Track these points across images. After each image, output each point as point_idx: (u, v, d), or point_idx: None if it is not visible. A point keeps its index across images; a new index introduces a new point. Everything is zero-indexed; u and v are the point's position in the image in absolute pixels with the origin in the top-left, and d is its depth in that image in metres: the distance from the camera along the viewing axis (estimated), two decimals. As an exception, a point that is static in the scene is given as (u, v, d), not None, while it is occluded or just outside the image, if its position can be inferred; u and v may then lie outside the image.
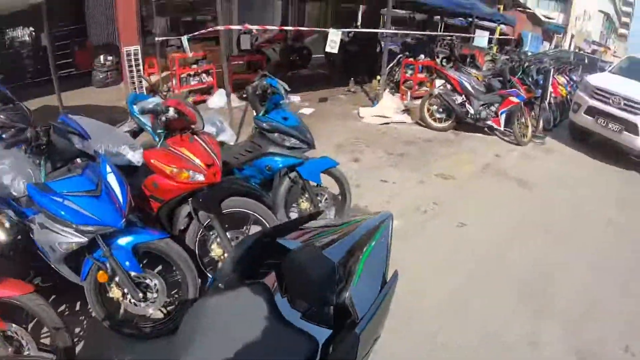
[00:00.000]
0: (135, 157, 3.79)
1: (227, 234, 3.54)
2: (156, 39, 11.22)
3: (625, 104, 7.88)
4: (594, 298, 3.93)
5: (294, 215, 4.41)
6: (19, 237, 3.41)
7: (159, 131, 3.58)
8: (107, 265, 2.94)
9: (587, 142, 9.11)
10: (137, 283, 3.05)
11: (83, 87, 11.77)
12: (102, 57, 12.49)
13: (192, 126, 3.63)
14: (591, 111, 8.39)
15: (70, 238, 2.84)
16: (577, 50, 37.78)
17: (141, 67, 10.45)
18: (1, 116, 5.76)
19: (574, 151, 8.85)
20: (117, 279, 2.99)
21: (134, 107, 4.81)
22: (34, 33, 14.37)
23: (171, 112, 3.42)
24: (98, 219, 2.84)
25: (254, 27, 10.47)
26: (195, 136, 3.58)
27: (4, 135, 5.59)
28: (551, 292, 3.93)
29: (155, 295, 3.13)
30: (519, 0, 33.93)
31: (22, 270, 3.28)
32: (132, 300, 3.05)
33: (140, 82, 10.29)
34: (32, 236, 3.19)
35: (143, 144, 4.17)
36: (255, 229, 3.73)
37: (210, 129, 4.33)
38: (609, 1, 59.45)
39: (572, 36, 44.03)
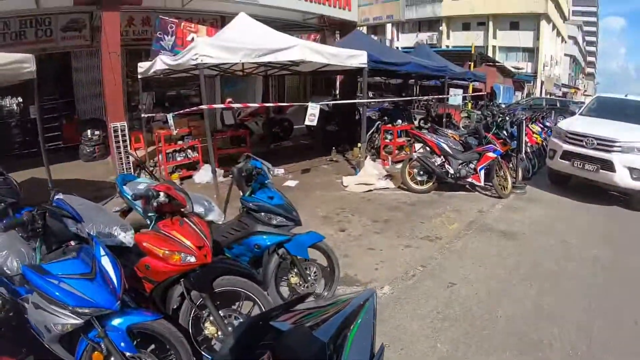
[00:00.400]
0: (126, 238, 3.83)
1: (220, 312, 3.59)
2: (142, 115, 11.57)
3: (598, 144, 8.22)
4: (591, 340, 4.00)
5: (284, 289, 4.52)
6: (11, 314, 3.45)
7: (150, 214, 3.71)
8: (102, 345, 2.96)
9: (567, 185, 9.45)
10: None
11: (71, 161, 12.06)
12: (89, 131, 12.86)
13: (182, 209, 3.75)
14: (567, 155, 8.71)
15: (66, 319, 2.87)
16: (548, 96, 39.00)
17: (128, 142, 10.68)
18: None
19: (555, 196, 9.11)
20: (112, 359, 3.00)
21: (124, 187, 4.97)
22: (22, 104, 14.66)
23: (162, 196, 3.55)
24: (93, 301, 2.89)
25: (237, 105, 10.83)
26: (185, 219, 3.68)
27: None
28: (549, 342, 3.97)
29: None
30: (488, 56, 35.21)
31: (15, 348, 3.28)
32: None
33: (128, 157, 10.48)
34: (25, 315, 3.20)
35: (132, 222, 4.28)
36: (247, 305, 3.82)
37: (199, 209, 4.43)
38: (573, 44, 61.76)
39: (542, 82, 45.64)
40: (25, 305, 3.21)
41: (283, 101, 17.37)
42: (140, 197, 3.69)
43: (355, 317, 1.68)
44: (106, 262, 3.12)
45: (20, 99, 15.02)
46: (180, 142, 10.43)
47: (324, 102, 10.43)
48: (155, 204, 3.56)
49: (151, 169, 10.23)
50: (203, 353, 3.60)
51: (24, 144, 14.17)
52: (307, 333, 1.53)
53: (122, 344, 3.01)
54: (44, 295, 2.90)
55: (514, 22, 44.85)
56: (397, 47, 37.07)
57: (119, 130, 10.55)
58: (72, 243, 3.20)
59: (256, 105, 11.89)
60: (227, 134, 11.73)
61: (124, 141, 10.59)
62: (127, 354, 3.02)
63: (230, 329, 3.56)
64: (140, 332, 3.17)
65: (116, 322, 3.04)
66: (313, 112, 8.90)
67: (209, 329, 3.59)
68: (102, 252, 3.17)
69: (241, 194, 4.49)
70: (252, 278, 3.90)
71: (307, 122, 9.17)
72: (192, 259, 3.42)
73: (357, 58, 9.69)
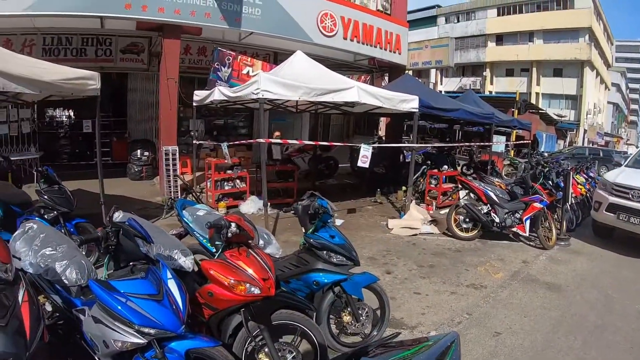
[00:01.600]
0: (186, 263, 3.91)
1: (274, 345, 3.63)
2: (194, 141, 11.87)
3: None
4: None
5: (333, 327, 4.57)
6: (61, 322, 3.56)
7: (218, 243, 3.80)
8: None
9: (611, 237, 9.38)
10: None
11: (118, 177, 12.39)
12: (138, 151, 13.40)
13: (249, 241, 3.87)
14: (612, 208, 8.68)
15: (129, 337, 2.92)
16: (590, 145, 38.40)
17: (177, 167, 10.99)
18: (45, 197, 6.19)
19: (600, 249, 9.01)
20: None
21: (184, 212, 5.11)
22: (73, 117, 15.45)
23: (233, 227, 3.66)
24: (159, 323, 2.97)
25: (292, 142, 11.06)
26: (251, 250, 3.79)
27: (45, 216, 5.97)
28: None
29: None
30: (531, 103, 35.00)
31: (60, 356, 3.33)
32: None
33: (175, 180, 10.78)
34: (76, 326, 3.31)
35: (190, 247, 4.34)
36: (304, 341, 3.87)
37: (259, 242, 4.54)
38: (616, 91, 60.87)
39: (585, 131, 44.76)
40: (81, 317, 3.31)
41: (327, 138, 17.71)
42: (212, 225, 3.78)
43: (444, 357, 1.83)
44: (172, 285, 3.22)
45: (71, 112, 15.72)
46: (229, 172, 10.64)
47: (372, 143, 10.53)
48: (227, 233, 3.67)
49: (198, 194, 10.53)
50: None
51: (73, 155, 14.93)
52: None
53: None
54: (109, 310, 2.97)
55: (557, 69, 44.43)
56: (441, 91, 37.20)
57: (170, 154, 10.92)
58: (138, 263, 3.33)
59: (311, 142, 12.02)
60: (276, 167, 11.88)
61: (174, 165, 10.95)
62: None
63: None
64: (196, 357, 3.20)
65: (176, 345, 3.10)
66: (366, 154, 9.05)
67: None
68: (169, 275, 3.27)
69: (303, 231, 4.63)
70: (308, 314, 4.00)
71: (359, 164, 9.26)
72: (257, 291, 3.51)
73: (409, 102, 9.87)
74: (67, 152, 15.19)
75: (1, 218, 5.82)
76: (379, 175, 13.79)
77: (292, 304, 3.89)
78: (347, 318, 4.49)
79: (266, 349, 3.61)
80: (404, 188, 11.14)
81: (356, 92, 8.61)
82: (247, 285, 3.50)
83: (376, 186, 12.52)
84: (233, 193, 10.78)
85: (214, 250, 3.96)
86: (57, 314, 3.64)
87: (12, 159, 9.87)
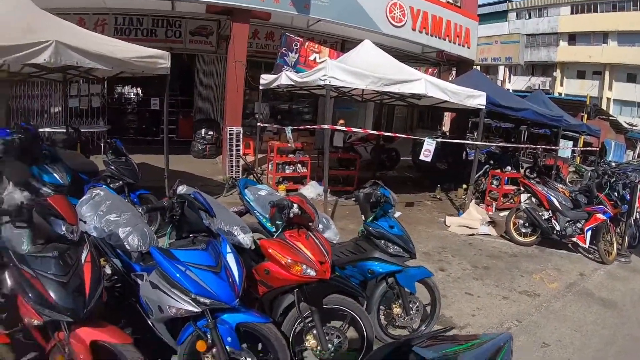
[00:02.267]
0: (245, 239, 4.07)
1: (323, 328, 3.69)
2: (258, 123, 12.07)
3: None
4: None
5: (382, 318, 4.59)
6: (118, 285, 3.76)
7: (278, 223, 3.88)
8: (209, 336, 3.12)
9: (675, 258, 8.84)
10: (232, 359, 3.20)
11: (181, 154, 12.61)
12: (203, 130, 13.77)
13: (310, 223, 3.94)
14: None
15: (184, 305, 3.06)
16: (662, 158, 36.48)
17: (240, 147, 11.18)
18: (112, 167, 6.56)
19: (662, 270, 8.60)
20: (214, 350, 3.13)
21: (246, 191, 5.22)
22: (140, 94, 16.05)
23: (295, 208, 3.73)
24: (215, 294, 3.09)
25: (357, 130, 11.10)
26: (311, 233, 3.86)
27: (111, 185, 6.29)
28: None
29: None
30: (602, 108, 33.62)
31: (115, 316, 3.42)
32: None
33: (238, 160, 10.98)
34: (133, 290, 3.49)
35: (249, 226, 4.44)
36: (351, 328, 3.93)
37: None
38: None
39: (657, 143, 42.51)
40: (139, 281, 3.49)
41: (391, 129, 17.56)
42: (275, 204, 3.86)
43: (495, 356, 1.82)
44: (231, 259, 3.34)
45: (139, 90, 16.27)
46: (291, 156, 10.78)
47: (436, 138, 10.41)
48: (289, 213, 3.73)
49: (259, 175, 10.71)
50: None
51: (139, 131, 15.54)
52: None
53: (229, 339, 3.17)
54: (167, 277, 3.12)
55: (631, 74, 41.61)
56: (508, 89, 36.30)
57: (234, 134, 11.09)
58: (199, 235, 3.44)
59: (375, 132, 12.08)
60: (338, 155, 11.92)
61: (237, 145, 11.13)
62: (229, 348, 3.17)
63: (330, 346, 3.66)
64: (245, 331, 3.31)
65: (228, 317, 3.21)
66: (429, 148, 9.01)
67: (310, 342, 3.69)
68: (229, 249, 3.40)
69: (363, 218, 4.67)
70: (359, 301, 4.07)
71: (421, 157, 9.26)
72: (313, 273, 3.57)
73: (476, 99, 9.69)
74: (134, 127, 15.81)
75: (69, 184, 6.16)
76: (441, 171, 13.70)
77: (345, 290, 3.96)
78: (397, 310, 4.50)
79: (314, 331, 3.68)
80: (464, 186, 10.98)
81: (424, 84, 8.56)
82: (304, 266, 3.56)
83: (437, 182, 12.40)
84: (293, 177, 10.94)
85: (273, 230, 4.03)
86: (116, 277, 3.85)
87: (81, 130, 10.46)
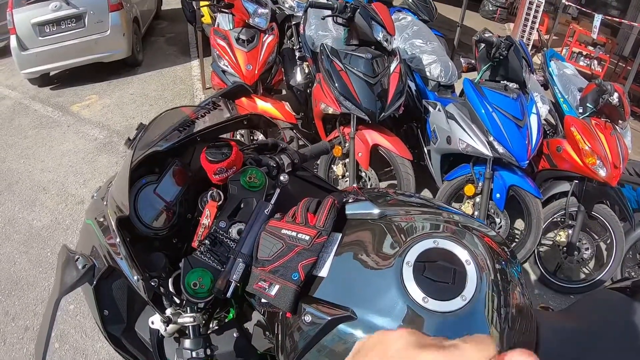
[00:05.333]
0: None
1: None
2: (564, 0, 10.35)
3: None
4: None
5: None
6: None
7: (589, 106, 3.53)
8: (480, 184, 3.20)
9: None
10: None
11: (470, 10, 10.98)
12: None
13: (620, 121, 3.53)
14: None
15: (476, 144, 3.13)
16: None
17: (537, 20, 10.10)
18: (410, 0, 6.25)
19: None
20: (477, 199, 3.26)
21: (551, 63, 4.77)
22: None
23: (616, 97, 3.35)
24: (511, 147, 3.02)
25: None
26: (616, 131, 3.49)
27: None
28: None
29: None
30: None
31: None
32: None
33: (531, 33, 10.02)
34: (425, 116, 3.65)
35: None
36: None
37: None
38: None
39: None
40: (430, 108, 3.61)
41: None
42: (599, 84, 3.43)
43: None
44: (534, 120, 3.22)
45: None
46: (591, 48, 9.59)
47: None
48: (606, 99, 3.36)
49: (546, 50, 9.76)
50: None
51: None
52: None
53: (497, 195, 3.15)
54: (471, 111, 3.14)
55: None
56: None
57: (534, 5, 9.92)
58: (511, 85, 3.32)
59: None
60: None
61: (535, 17, 10.03)
62: (492, 203, 3.20)
63: (576, 252, 3.53)
64: (512, 196, 3.30)
65: (505, 174, 3.18)
66: None
67: (560, 238, 3.52)
68: (534, 110, 3.27)
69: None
70: (622, 227, 3.65)
71: None
72: (603, 173, 3.25)
73: None
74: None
75: None
76: None
77: (618, 205, 3.60)
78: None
79: (570, 231, 3.48)
80: None
81: None
82: (598, 161, 3.26)
83: None
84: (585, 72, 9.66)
85: (582, 110, 3.57)
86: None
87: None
